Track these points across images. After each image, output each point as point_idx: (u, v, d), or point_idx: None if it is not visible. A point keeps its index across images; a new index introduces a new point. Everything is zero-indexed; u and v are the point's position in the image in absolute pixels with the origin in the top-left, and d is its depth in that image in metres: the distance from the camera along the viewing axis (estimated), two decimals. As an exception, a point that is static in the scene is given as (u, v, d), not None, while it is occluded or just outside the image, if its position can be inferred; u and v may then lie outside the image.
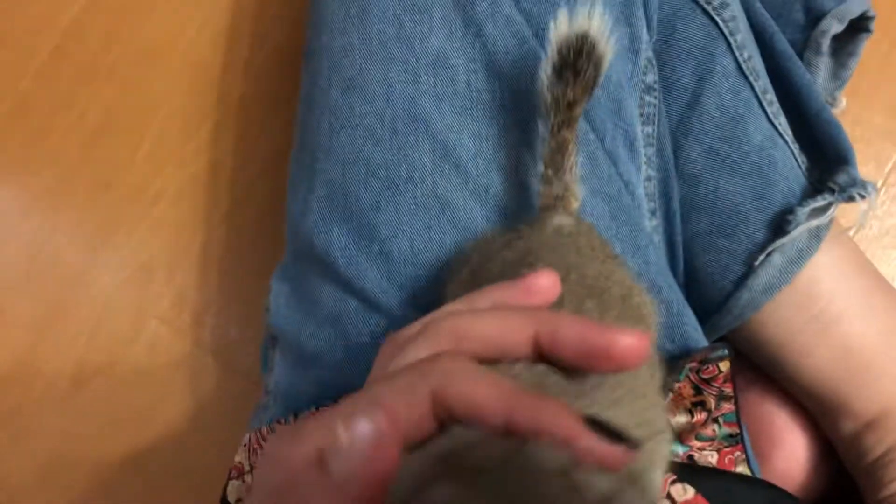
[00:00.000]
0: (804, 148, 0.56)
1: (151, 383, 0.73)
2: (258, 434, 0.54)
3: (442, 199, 0.49)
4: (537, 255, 0.42)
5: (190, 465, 0.71)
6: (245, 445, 0.55)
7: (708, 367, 0.48)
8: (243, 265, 0.74)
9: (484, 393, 0.27)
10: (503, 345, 0.30)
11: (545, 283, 0.34)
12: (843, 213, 0.56)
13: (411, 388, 0.27)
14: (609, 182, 0.50)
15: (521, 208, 0.49)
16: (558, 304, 0.36)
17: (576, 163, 0.45)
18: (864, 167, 0.70)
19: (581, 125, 0.50)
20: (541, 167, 0.45)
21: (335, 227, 0.51)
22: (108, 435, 0.72)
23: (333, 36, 0.53)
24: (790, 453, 0.55)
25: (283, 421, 0.53)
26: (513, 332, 0.30)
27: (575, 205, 0.45)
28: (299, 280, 0.55)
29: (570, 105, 0.44)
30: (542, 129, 0.45)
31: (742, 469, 0.52)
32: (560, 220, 0.44)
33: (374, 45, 0.51)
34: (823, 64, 0.61)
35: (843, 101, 0.63)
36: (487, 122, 0.50)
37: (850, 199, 0.51)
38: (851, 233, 0.70)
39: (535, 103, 0.48)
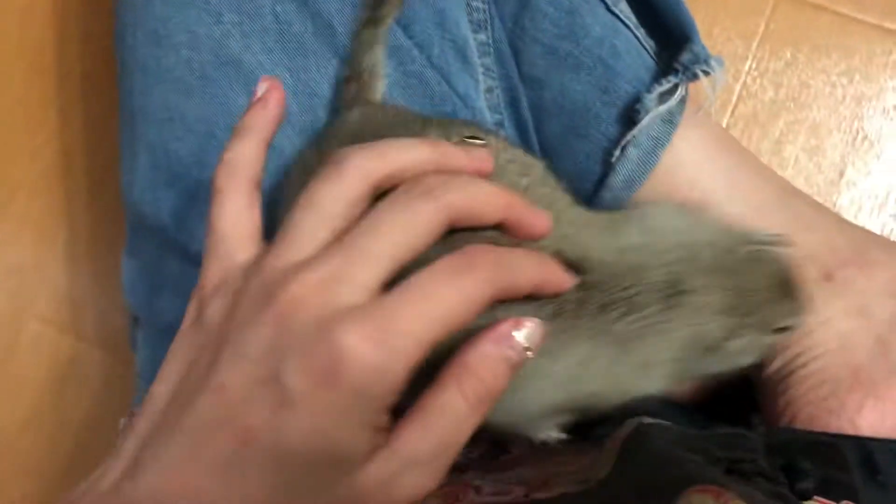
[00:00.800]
0: (651, 32, 0.53)
1: (40, 387, 0.69)
2: (131, 417, 0.52)
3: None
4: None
5: (90, 461, 0.68)
6: (122, 430, 0.53)
7: None
8: (114, 249, 0.70)
9: (491, 206, 0.32)
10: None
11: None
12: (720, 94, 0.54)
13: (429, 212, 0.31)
14: (443, 100, 0.47)
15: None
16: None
17: (380, 62, 0.42)
18: (730, 45, 0.67)
19: (404, 43, 0.47)
20: (345, 69, 0.43)
21: (162, 193, 0.48)
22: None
23: (132, -13, 0.49)
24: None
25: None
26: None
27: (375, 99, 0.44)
28: (143, 254, 0.52)
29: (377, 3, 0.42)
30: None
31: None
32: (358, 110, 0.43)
33: (172, -9, 0.47)
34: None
35: (694, -20, 0.61)
36: (303, 54, 0.46)
37: (695, 76, 0.49)
38: (728, 112, 0.68)
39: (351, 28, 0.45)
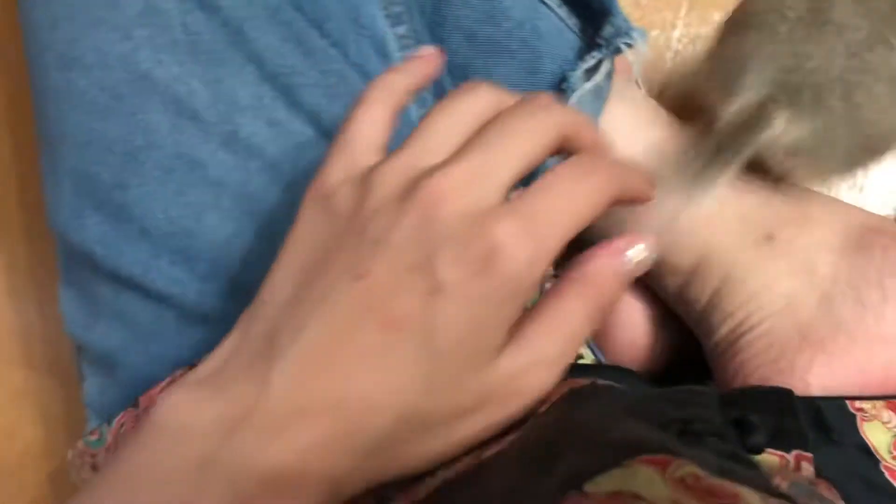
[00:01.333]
0: (573, 9, 0.52)
1: (-6, 422, 0.68)
2: (77, 450, 0.51)
3: (187, 157, 0.45)
4: None
5: (51, 492, 0.67)
6: (70, 462, 0.52)
7: None
8: (56, 277, 0.69)
9: (589, 133, 0.34)
10: None
11: None
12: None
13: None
14: (364, 97, 0.47)
15: (276, 144, 0.45)
16: None
17: None
18: (659, 15, 0.67)
19: (318, 43, 0.46)
20: None
21: (87, 218, 0.47)
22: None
23: (35, 9, 0.48)
24: (628, 324, 0.54)
25: (97, 432, 0.50)
26: None
27: None
28: (77, 281, 0.51)
29: None
30: None
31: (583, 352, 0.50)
32: None
33: (76, 11, 0.46)
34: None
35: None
36: (217, 64, 0.45)
37: (618, 50, 0.49)
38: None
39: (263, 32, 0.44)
